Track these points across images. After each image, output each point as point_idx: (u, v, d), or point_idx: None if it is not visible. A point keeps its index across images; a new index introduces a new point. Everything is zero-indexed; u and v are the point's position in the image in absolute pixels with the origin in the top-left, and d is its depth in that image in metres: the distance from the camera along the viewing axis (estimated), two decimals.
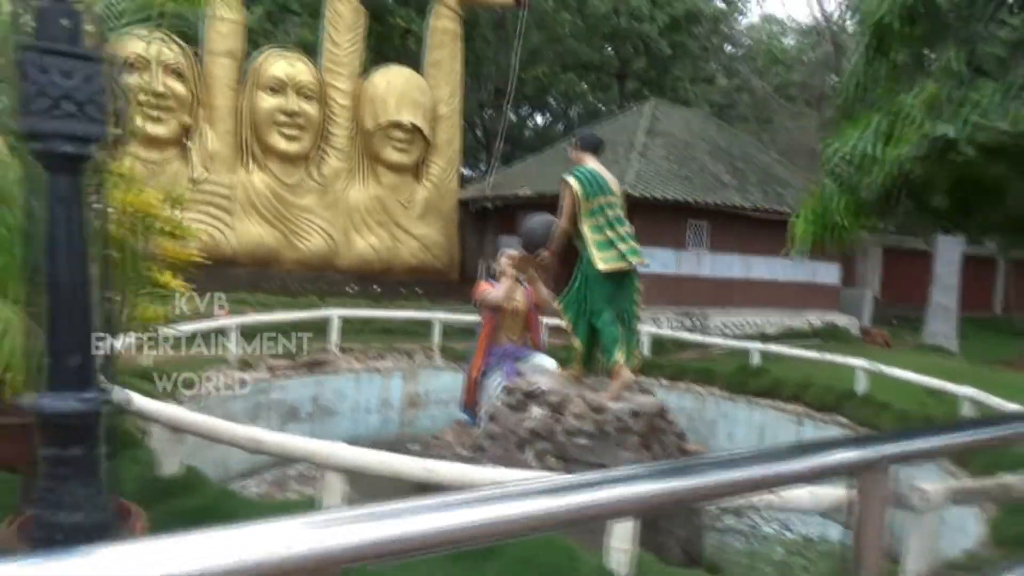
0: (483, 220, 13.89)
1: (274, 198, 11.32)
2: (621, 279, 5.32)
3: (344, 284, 11.73)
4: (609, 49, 26.02)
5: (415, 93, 12.34)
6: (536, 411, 5.46)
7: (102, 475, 1.86)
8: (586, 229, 5.28)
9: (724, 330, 12.06)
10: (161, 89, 10.14)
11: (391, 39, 21.82)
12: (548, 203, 12.23)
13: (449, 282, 13.01)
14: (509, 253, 6.50)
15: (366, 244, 12.22)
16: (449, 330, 9.52)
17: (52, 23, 1.64)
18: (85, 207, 1.72)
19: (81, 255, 1.71)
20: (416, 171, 12.81)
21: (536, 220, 5.97)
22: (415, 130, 12.38)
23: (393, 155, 12.36)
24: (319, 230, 11.67)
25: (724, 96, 28.41)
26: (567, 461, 5.18)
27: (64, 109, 1.55)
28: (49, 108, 1.54)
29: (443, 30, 12.96)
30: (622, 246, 5.28)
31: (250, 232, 11.19)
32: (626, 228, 5.37)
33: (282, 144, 11.26)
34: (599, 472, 0.97)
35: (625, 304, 5.39)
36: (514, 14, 16.39)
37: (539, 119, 31.76)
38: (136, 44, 10.08)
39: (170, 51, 10.30)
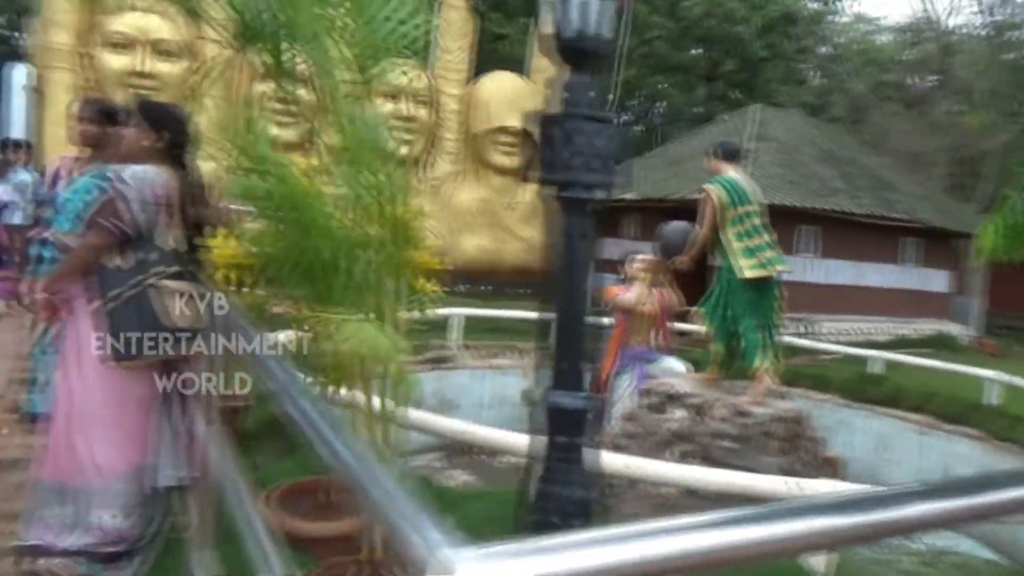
0: None
1: None
2: (763, 286, 5.42)
3: (453, 283, 12.10)
4: (699, 51, 25.83)
5: (523, 98, 12.60)
6: (678, 413, 5.61)
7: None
8: (730, 237, 5.39)
9: (833, 337, 11.92)
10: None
11: (483, 43, 22.24)
12: (652, 207, 12.39)
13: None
14: (641, 258, 6.66)
15: (473, 245, 12.56)
16: None
17: (582, 94, 1.95)
18: (591, 240, 2.03)
19: (585, 278, 2.01)
20: (522, 174, 13.10)
21: (674, 227, 6.12)
22: (522, 134, 12.66)
23: (500, 159, 12.67)
24: (429, 231, 12.07)
25: (817, 97, 27.82)
26: (711, 463, 5.32)
27: (593, 165, 1.86)
28: (583, 164, 1.85)
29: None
30: (765, 254, 5.38)
31: None
32: (768, 236, 5.46)
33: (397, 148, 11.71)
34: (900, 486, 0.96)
35: (767, 311, 5.48)
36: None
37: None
38: None
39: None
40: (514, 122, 12.46)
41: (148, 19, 9.79)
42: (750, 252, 5.38)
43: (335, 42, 2.39)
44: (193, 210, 2.67)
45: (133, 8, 9.72)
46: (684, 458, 5.44)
